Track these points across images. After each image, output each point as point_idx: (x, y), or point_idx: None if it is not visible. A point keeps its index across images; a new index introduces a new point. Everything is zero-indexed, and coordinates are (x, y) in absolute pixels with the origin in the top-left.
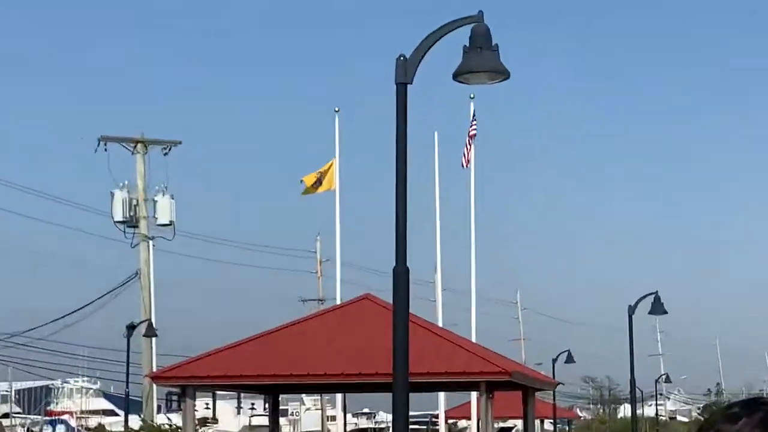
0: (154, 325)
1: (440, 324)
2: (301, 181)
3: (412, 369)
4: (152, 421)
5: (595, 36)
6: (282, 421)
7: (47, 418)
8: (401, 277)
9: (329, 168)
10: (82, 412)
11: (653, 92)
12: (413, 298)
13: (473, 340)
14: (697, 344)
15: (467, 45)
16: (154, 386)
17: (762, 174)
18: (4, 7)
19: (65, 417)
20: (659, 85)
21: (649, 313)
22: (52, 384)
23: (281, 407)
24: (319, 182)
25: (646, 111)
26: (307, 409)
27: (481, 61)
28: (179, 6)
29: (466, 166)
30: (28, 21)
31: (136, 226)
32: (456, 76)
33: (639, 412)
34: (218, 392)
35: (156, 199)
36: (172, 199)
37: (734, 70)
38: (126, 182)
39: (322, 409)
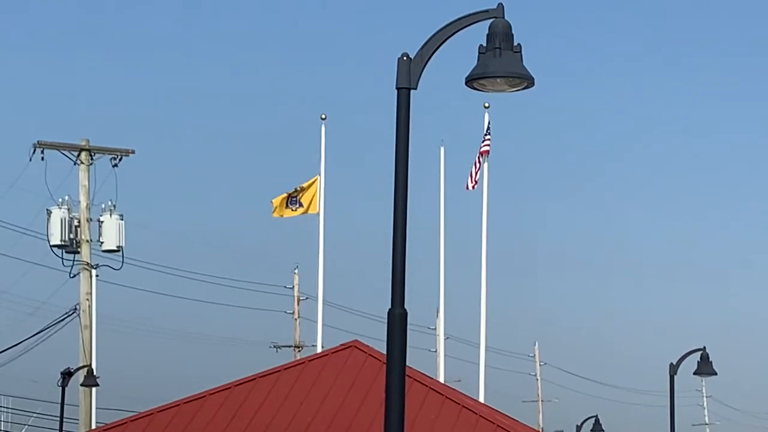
0: (95, 373)
1: (442, 379)
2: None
3: None
4: None
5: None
6: None
7: None
8: (398, 321)
9: (310, 186)
10: None
11: None
12: (410, 348)
13: (481, 399)
14: (750, 413)
15: (483, 45)
16: None
17: None
18: None
19: None
20: None
21: (695, 373)
22: None
23: None
24: (296, 200)
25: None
26: None
27: (500, 64)
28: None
29: (473, 187)
30: None
31: (76, 252)
32: (469, 81)
33: None
34: None
35: (102, 219)
36: (122, 220)
37: None
38: (66, 198)
39: None
